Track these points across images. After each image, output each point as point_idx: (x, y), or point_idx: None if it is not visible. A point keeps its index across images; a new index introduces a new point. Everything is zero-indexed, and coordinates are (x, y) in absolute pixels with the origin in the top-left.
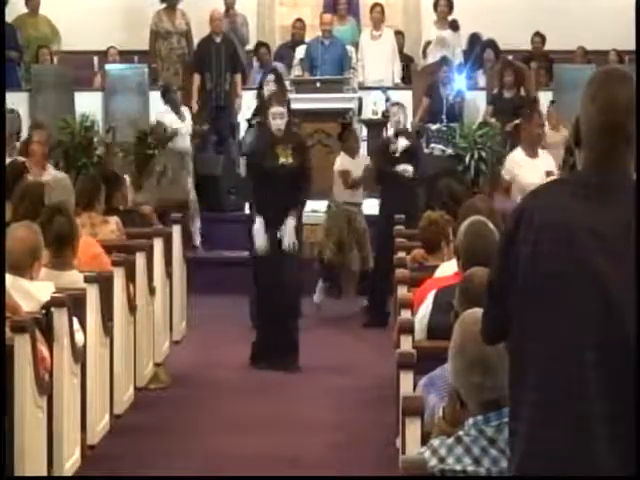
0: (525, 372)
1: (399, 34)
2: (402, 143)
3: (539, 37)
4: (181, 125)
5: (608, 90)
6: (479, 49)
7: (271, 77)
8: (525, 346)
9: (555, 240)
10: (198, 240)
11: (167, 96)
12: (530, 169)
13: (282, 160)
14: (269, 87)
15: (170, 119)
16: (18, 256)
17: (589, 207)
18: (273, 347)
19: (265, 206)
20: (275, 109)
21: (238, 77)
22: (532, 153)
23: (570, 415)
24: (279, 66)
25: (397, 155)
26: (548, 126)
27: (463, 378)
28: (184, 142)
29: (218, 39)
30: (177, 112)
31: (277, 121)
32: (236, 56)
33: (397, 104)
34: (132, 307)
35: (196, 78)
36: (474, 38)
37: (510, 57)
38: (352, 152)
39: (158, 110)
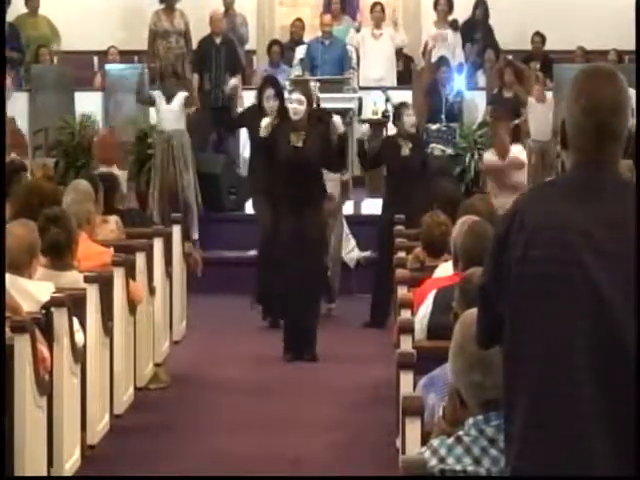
0: (518, 375)
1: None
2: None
3: (539, 37)
4: (164, 105)
5: (592, 89)
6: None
7: (271, 92)
8: (518, 349)
9: (546, 243)
10: (196, 234)
11: (161, 82)
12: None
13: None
14: (269, 104)
15: (156, 95)
16: (16, 254)
17: (579, 208)
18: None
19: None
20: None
21: (238, 79)
22: (501, 159)
23: (563, 417)
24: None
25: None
26: (534, 97)
27: (463, 377)
28: (170, 125)
29: (218, 40)
30: (167, 95)
31: (294, 105)
32: (236, 57)
33: (403, 104)
34: (132, 306)
35: (195, 78)
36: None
37: (510, 57)
38: None
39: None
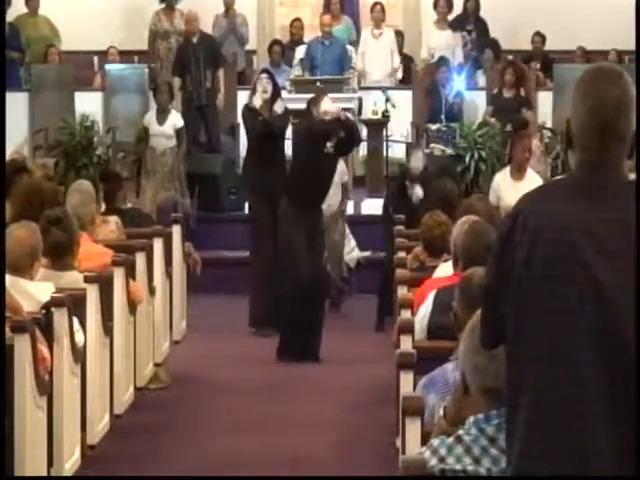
0: (522, 375)
1: (399, 34)
2: (418, 193)
3: (539, 37)
4: (156, 127)
5: (597, 90)
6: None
7: (264, 75)
8: (522, 349)
9: (550, 243)
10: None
11: (154, 94)
12: (513, 192)
13: None
14: (263, 83)
15: (148, 118)
16: (18, 257)
17: (583, 208)
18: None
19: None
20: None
21: (220, 73)
22: (518, 176)
23: (567, 416)
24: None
25: (414, 201)
26: (533, 157)
27: (469, 359)
28: (158, 143)
29: (195, 39)
30: (159, 112)
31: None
32: (216, 53)
33: (414, 147)
34: (132, 306)
35: (176, 81)
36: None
37: (510, 57)
38: None
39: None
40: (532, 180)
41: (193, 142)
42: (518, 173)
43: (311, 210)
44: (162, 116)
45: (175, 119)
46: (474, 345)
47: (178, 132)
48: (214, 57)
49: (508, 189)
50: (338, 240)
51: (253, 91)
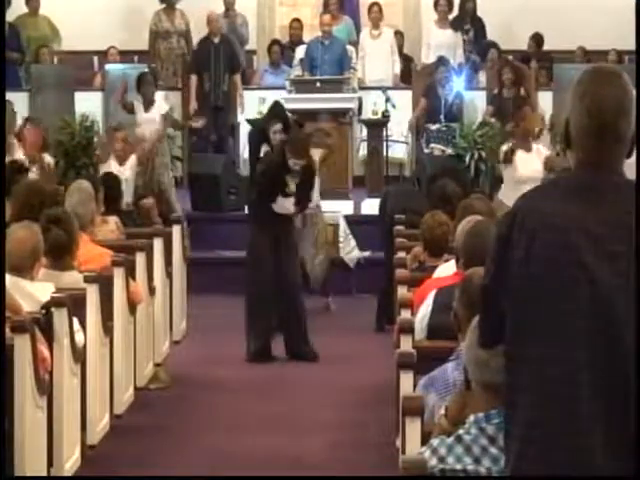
0: (520, 374)
1: (398, 34)
2: None
3: (534, 40)
4: (142, 114)
5: (595, 90)
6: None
7: (279, 126)
8: (519, 349)
9: (548, 243)
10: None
11: (139, 87)
12: (524, 162)
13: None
14: (277, 138)
15: (136, 107)
16: (19, 257)
17: (581, 208)
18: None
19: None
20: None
21: (237, 77)
22: (526, 147)
23: (563, 417)
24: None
25: None
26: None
27: (472, 351)
28: (149, 132)
29: (217, 40)
30: (145, 101)
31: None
32: (235, 57)
33: None
34: (133, 306)
35: (193, 79)
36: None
37: (510, 57)
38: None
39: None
40: (542, 151)
41: (204, 141)
42: (525, 144)
43: (275, 219)
44: (148, 105)
45: (160, 107)
46: (477, 337)
47: (165, 116)
48: (233, 61)
49: (521, 160)
50: (307, 245)
51: (264, 131)
